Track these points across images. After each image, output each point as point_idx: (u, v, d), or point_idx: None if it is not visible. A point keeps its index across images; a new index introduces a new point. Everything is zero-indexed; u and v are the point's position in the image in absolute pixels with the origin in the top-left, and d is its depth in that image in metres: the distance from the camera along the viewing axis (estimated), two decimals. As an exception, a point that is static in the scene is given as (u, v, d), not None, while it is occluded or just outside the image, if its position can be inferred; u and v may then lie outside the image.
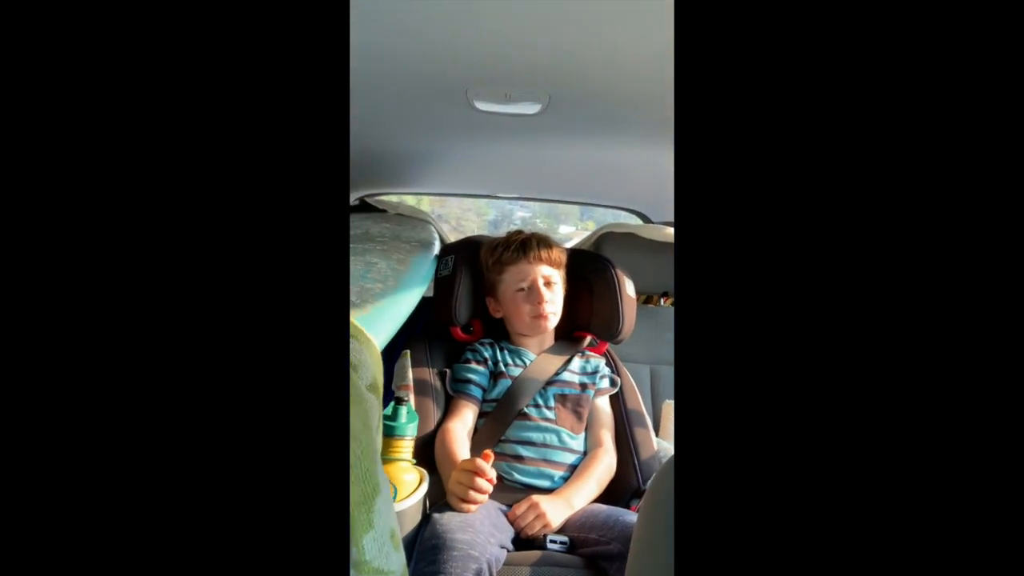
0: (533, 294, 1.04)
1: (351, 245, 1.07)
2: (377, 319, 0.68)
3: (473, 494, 0.80)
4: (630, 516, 0.86)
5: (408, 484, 0.78)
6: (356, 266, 0.90)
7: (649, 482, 1.04)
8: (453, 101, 1.20)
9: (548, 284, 1.06)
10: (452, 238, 1.47)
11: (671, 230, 1.43)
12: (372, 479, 0.40)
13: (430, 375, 1.05)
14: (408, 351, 1.07)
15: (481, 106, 1.21)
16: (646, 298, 1.42)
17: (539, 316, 1.04)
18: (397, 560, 0.43)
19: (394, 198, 1.68)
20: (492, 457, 0.83)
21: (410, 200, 1.73)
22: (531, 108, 1.22)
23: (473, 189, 1.78)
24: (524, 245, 1.06)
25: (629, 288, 1.13)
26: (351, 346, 0.44)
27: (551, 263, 1.06)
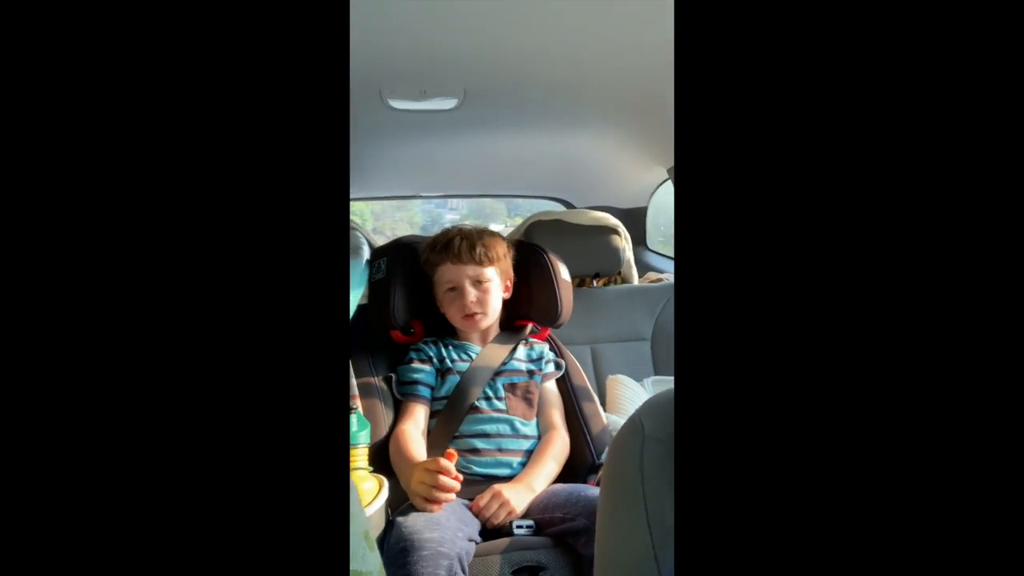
0: (460, 295, 1.04)
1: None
2: None
3: (438, 493, 0.79)
4: (591, 490, 0.88)
5: (368, 492, 0.76)
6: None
7: (605, 454, 1.07)
8: (367, 101, 1.18)
9: (477, 283, 1.04)
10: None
11: (596, 214, 1.47)
12: None
13: (375, 381, 1.03)
14: (348, 361, 1.04)
15: (396, 104, 1.20)
16: (579, 281, 1.46)
17: (467, 316, 1.04)
18: (373, 560, 0.42)
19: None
20: (456, 456, 0.83)
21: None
22: (447, 103, 1.22)
23: (396, 191, 1.75)
24: (448, 246, 1.05)
25: (564, 272, 1.16)
26: None
27: (478, 261, 1.04)
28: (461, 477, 0.81)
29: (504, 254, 1.10)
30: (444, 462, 0.81)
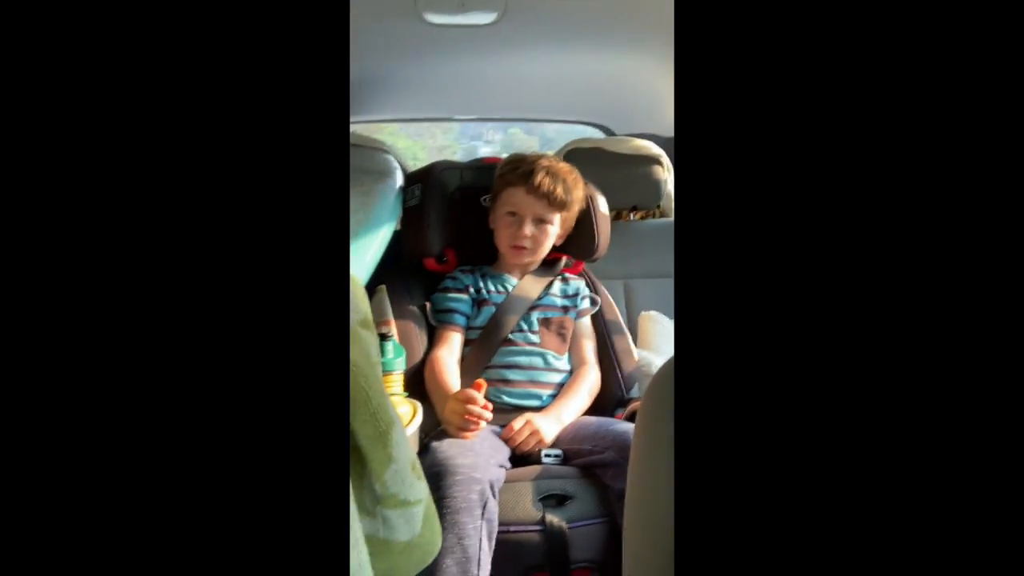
0: (517, 224, 1.01)
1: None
2: (355, 255, 0.65)
3: (468, 423, 0.81)
4: (619, 424, 0.89)
5: (403, 417, 0.78)
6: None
7: (634, 390, 1.08)
8: (402, 15, 1.11)
9: (539, 221, 1.01)
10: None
11: (638, 142, 1.40)
12: (385, 414, 0.40)
13: (410, 308, 1.04)
14: (383, 286, 1.05)
15: (432, 18, 1.12)
16: (616, 213, 1.41)
17: (514, 246, 1.02)
18: (421, 489, 0.43)
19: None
20: (484, 386, 0.83)
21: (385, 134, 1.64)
22: (486, 18, 1.14)
23: (429, 112, 1.69)
24: (530, 174, 0.99)
25: (602, 205, 1.12)
26: None
27: (552, 202, 0.99)
28: (491, 406, 0.83)
29: (578, 202, 1.04)
30: (473, 393, 0.82)
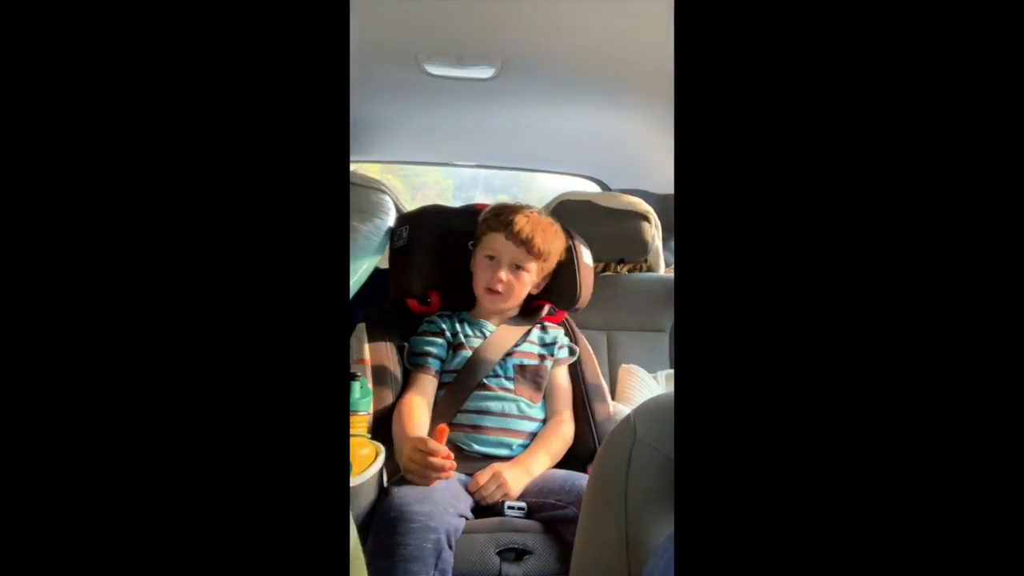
0: (494, 268, 1.03)
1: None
2: None
3: (427, 472, 0.79)
4: (585, 479, 0.88)
5: (363, 459, 0.77)
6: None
7: (600, 447, 1.06)
8: (404, 64, 1.16)
9: (515, 267, 1.03)
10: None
11: (627, 198, 1.43)
12: None
13: (388, 349, 1.04)
14: (363, 324, 1.05)
15: (432, 70, 1.17)
16: (604, 265, 1.43)
17: (489, 290, 1.03)
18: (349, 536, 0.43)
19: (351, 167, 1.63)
20: (446, 432, 0.82)
21: (374, 170, 1.68)
22: (484, 72, 1.19)
23: (428, 157, 1.74)
24: (510, 223, 1.02)
25: (587, 256, 1.13)
26: None
27: (529, 249, 1.02)
28: (451, 455, 0.81)
29: (555, 254, 1.07)
30: (433, 443, 0.80)
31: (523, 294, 1.07)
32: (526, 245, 1.02)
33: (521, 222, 1.02)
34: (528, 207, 1.08)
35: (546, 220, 1.07)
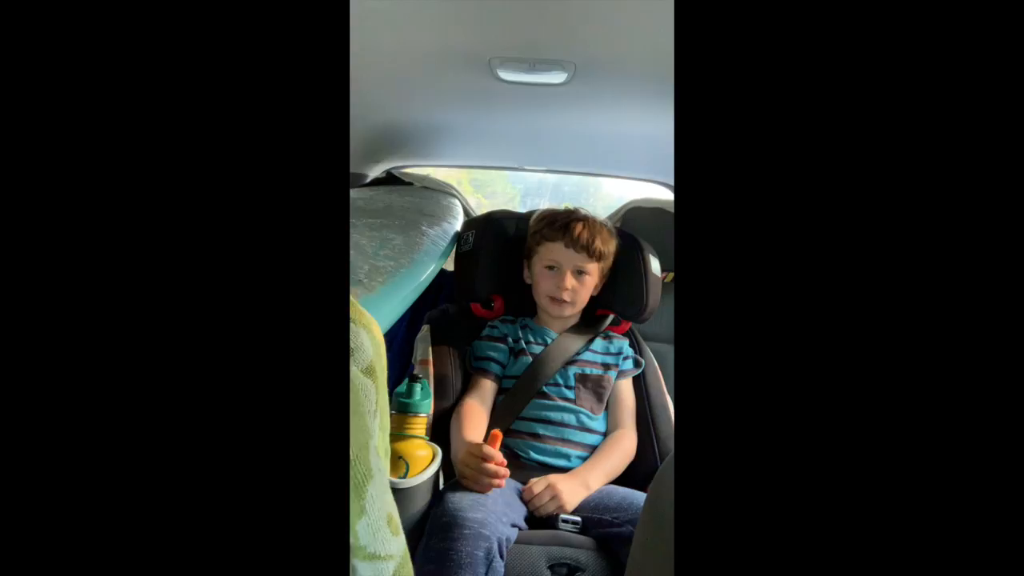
0: (557, 277, 1.02)
1: (371, 220, 1.06)
2: (384, 300, 0.67)
3: (483, 479, 0.79)
4: (644, 498, 0.85)
5: (420, 460, 0.78)
6: (372, 242, 0.89)
7: (659, 469, 1.02)
8: (476, 71, 1.17)
9: (579, 273, 1.02)
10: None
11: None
12: (364, 465, 0.40)
13: (450, 351, 1.05)
14: (428, 326, 1.07)
15: (505, 76, 1.18)
16: (673, 276, 1.38)
17: (555, 299, 1.02)
18: (396, 544, 0.43)
19: (423, 170, 1.67)
20: (500, 439, 0.82)
21: (436, 173, 1.71)
22: (557, 78, 1.17)
23: (500, 161, 1.75)
24: (567, 227, 1.02)
25: (654, 266, 1.10)
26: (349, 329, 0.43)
27: (589, 252, 1.01)
28: (505, 462, 0.81)
29: (611, 253, 1.06)
30: (488, 449, 0.80)
31: (587, 299, 1.05)
32: (587, 250, 1.01)
33: (579, 227, 1.01)
34: (576, 209, 1.06)
35: (599, 220, 1.05)
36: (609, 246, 1.04)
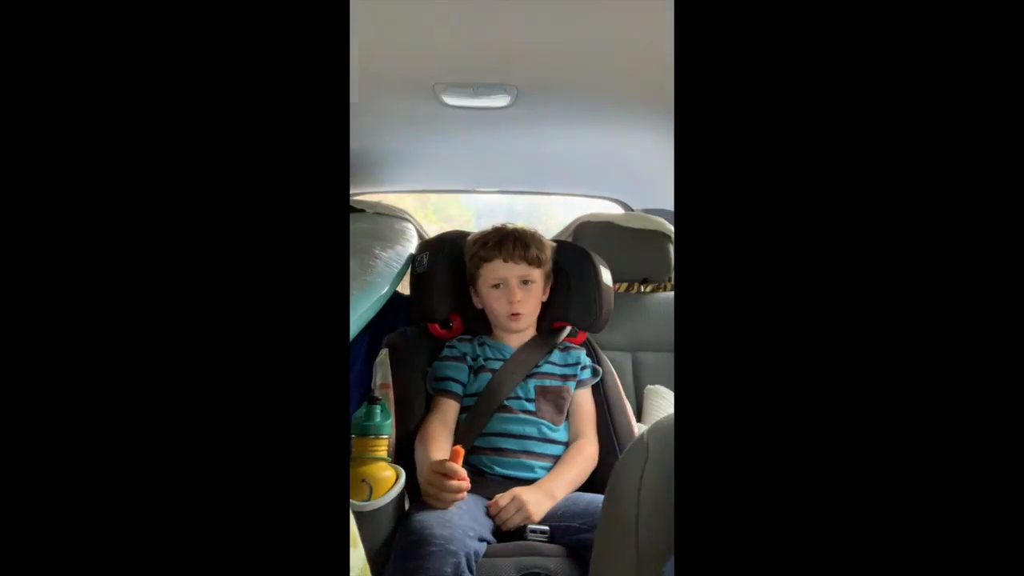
0: (506, 293, 1.04)
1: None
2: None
3: (444, 495, 0.79)
4: (610, 503, 0.86)
5: (384, 482, 0.78)
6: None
7: (613, 471, 1.04)
8: (421, 96, 1.19)
9: (524, 283, 1.05)
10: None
11: (650, 218, 1.43)
12: None
13: (411, 373, 1.05)
14: (386, 350, 1.07)
15: (449, 100, 1.21)
16: (627, 285, 1.42)
17: (511, 315, 1.04)
18: (357, 556, 0.43)
19: (374, 197, 1.68)
20: (462, 455, 0.82)
21: (392, 199, 1.72)
22: (500, 101, 1.21)
23: (451, 185, 1.77)
24: (501, 243, 1.05)
25: (605, 276, 1.13)
26: None
27: (528, 261, 1.04)
28: (466, 475, 0.81)
29: (549, 257, 1.09)
30: (450, 464, 0.80)
31: (538, 307, 1.08)
32: (526, 259, 1.04)
33: (509, 241, 1.05)
34: (501, 226, 1.10)
35: (527, 229, 1.10)
36: (545, 251, 1.08)
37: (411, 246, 1.24)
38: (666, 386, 1.22)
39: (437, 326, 1.12)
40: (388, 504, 0.77)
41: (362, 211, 1.50)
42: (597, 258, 1.14)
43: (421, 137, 1.43)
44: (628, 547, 0.47)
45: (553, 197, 1.82)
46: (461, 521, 0.78)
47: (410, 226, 1.38)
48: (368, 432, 0.80)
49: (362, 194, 1.70)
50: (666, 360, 1.30)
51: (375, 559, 0.75)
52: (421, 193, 1.79)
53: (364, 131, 1.35)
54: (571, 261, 1.13)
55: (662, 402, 1.18)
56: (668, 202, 1.67)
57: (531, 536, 0.85)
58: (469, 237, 1.12)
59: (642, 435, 0.53)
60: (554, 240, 1.15)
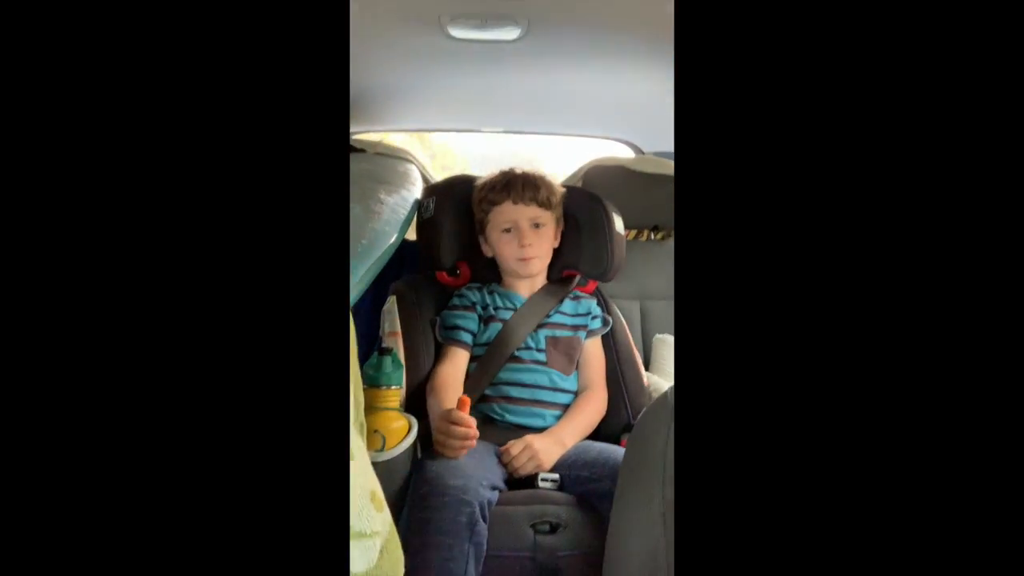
0: (517, 236, 1.01)
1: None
2: (352, 268, 0.65)
3: (454, 442, 0.80)
4: (620, 453, 0.87)
5: (396, 432, 0.78)
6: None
7: (636, 426, 1.05)
8: (426, 29, 1.12)
9: (535, 226, 1.02)
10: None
11: (663, 161, 1.38)
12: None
13: (419, 322, 1.04)
14: (394, 297, 1.05)
15: (456, 33, 1.13)
16: (636, 232, 1.39)
17: (523, 259, 1.01)
18: (381, 521, 0.43)
19: (376, 136, 1.61)
20: (468, 404, 0.82)
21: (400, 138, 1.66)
22: (509, 34, 1.14)
23: (455, 124, 1.70)
24: (509, 185, 1.02)
25: (618, 225, 1.10)
26: None
27: (539, 203, 1.02)
28: (474, 423, 0.81)
29: (560, 200, 1.06)
30: (457, 414, 0.80)
31: (550, 251, 1.06)
32: (536, 200, 1.01)
33: (519, 183, 1.02)
34: (510, 169, 1.07)
35: (533, 170, 1.06)
36: (555, 193, 1.05)
37: (416, 190, 1.19)
38: (674, 334, 1.22)
39: (445, 274, 1.10)
40: (402, 454, 0.77)
41: (362, 151, 1.44)
42: (610, 205, 1.10)
43: (425, 72, 1.35)
44: (659, 503, 0.47)
45: (554, 148, 1.75)
46: (475, 471, 0.79)
47: (414, 168, 1.33)
48: (379, 383, 0.79)
49: (360, 132, 1.63)
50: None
51: (389, 510, 0.76)
52: (420, 132, 1.72)
53: (364, 66, 1.27)
54: (582, 207, 1.10)
55: (671, 351, 1.18)
56: (680, 144, 1.61)
57: (542, 484, 0.86)
58: (476, 182, 1.08)
59: (666, 393, 0.52)
60: (564, 185, 1.11)
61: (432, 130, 1.72)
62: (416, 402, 0.94)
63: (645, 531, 0.47)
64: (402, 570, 0.44)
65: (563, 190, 1.08)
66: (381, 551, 0.41)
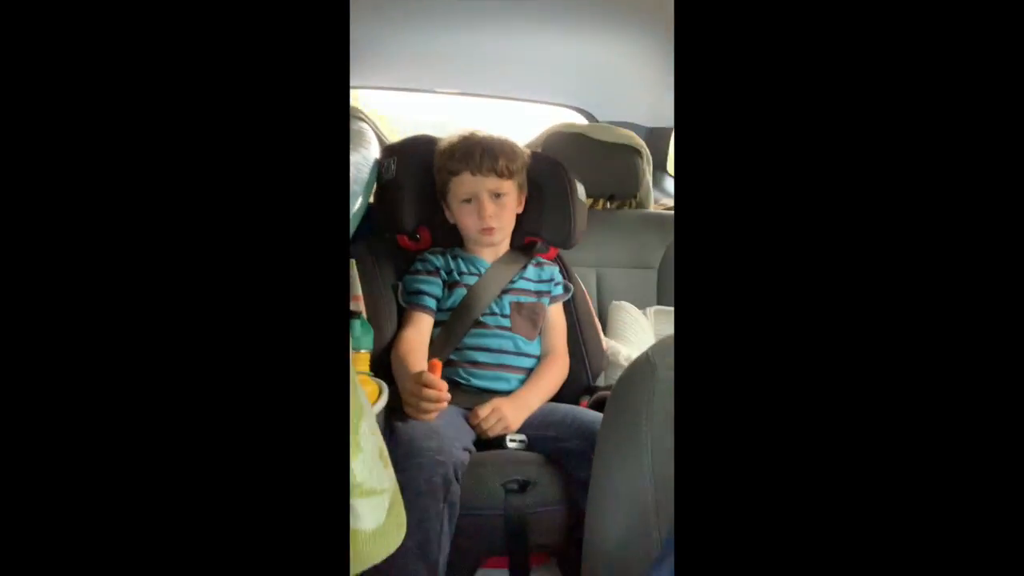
0: (477, 207, 0.99)
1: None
2: None
3: (426, 405, 0.80)
4: (586, 414, 0.90)
5: (368, 396, 0.76)
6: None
7: (600, 378, 1.08)
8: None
9: (496, 195, 0.99)
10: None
11: (620, 131, 1.39)
12: (355, 403, 0.38)
13: (381, 287, 1.01)
14: (354, 260, 1.02)
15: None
16: (592, 201, 1.41)
17: (484, 230, 1.00)
18: (388, 477, 0.42)
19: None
20: (440, 368, 0.82)
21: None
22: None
23: (406, 83, 1.64)
24: (468, 155, 0.98)
25: (581, 193, 1.11)
26: None
27: (498, 174, 0.98)
28: (446, 387, 0.81)
29: (522, 166, 1.04)
30: (429, 376, 0.80)
31: (512, 219, 1.04)
32: (495, 171, 0.98)
33: (477, 152, 0.97)
34: (471, 133, 1.02)
35: (495, 136, 1.02)
36: (516, 160, 1.01)
37: (374, 149, 1.15)
38: (630, 302, 1.26)
39: (405, 238, 1.07)
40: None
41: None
42: (574, 173, 1.11)
43: (372, 28, 1.29)
44: (643, 461, 0.48)
45: (504, 119, 1.73)
46: (447, 432, 0.79)
47: (367, 127, 1.28)
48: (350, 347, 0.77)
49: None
50: (630, 277, 1.33)
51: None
52: (373, 89, 1.65)
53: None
54: (545, 174, 1.10)
55: (627, 317, 1.22)
56: (634, 114, 1.63)
57: (510, 444, 0.88)
58: (438, 145, 1.05)
59: (646, 354, 0.54)
60: (528, 148, 1.10)
61: (383, 88, 1.65)
62: (380, 367, 0.93)
63: (631, 494, 0.49)
64: (404, 529, 0.44)
65: (527, 154, 1.06)
66: (389, 508, 0.41)
